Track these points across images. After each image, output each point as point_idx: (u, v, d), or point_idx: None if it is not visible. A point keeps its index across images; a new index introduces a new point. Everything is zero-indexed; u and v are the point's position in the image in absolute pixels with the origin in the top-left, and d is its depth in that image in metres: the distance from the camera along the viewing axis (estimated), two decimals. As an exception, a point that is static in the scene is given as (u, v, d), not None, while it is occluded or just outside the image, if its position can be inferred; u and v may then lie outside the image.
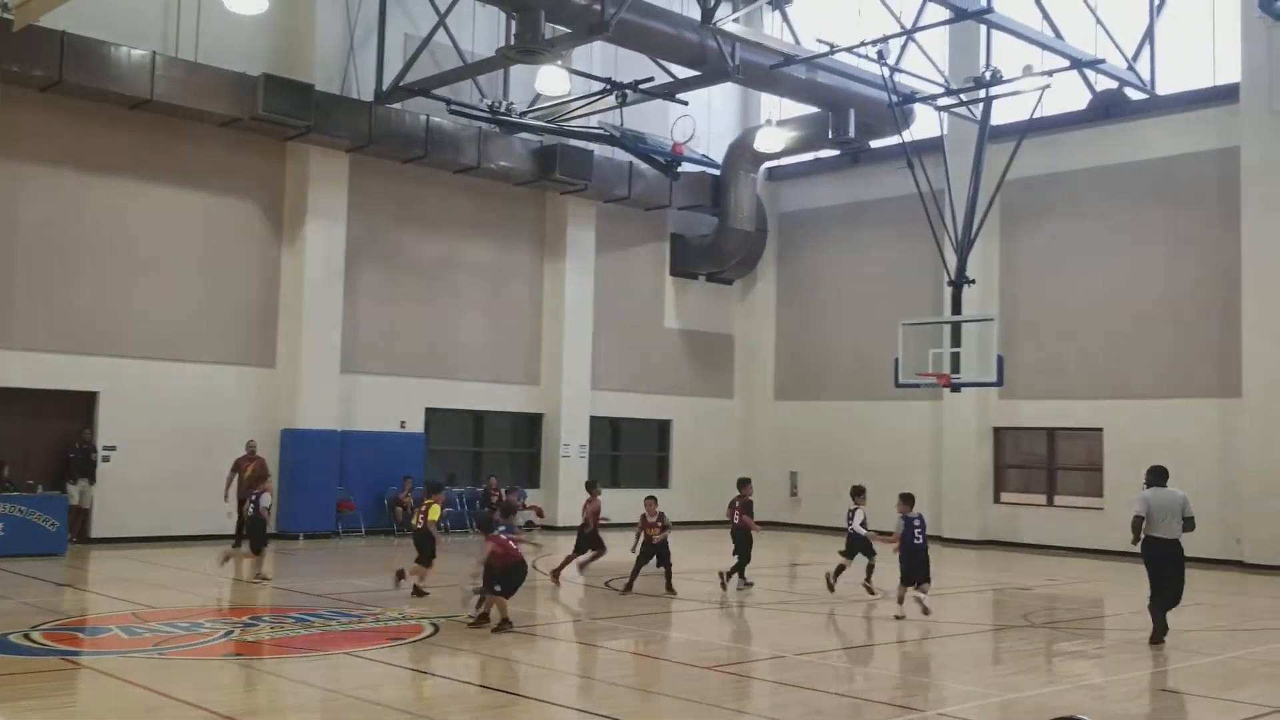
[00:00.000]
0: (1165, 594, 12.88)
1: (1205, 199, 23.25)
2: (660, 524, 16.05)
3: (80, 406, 20.99)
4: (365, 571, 18.72)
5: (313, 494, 22.67)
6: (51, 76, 19.66)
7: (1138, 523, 12.78)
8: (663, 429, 29.62)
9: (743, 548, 16.70)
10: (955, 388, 21.84)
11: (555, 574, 16.92)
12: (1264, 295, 21.93)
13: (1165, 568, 12.85)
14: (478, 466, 26.31)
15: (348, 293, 23.62)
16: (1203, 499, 22.29)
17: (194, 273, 22.11)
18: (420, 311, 25.00)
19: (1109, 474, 24.09)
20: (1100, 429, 24.38)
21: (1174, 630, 12.98)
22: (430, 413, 25.21)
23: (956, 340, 20.98)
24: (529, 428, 27.19)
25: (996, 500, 25.25)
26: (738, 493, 17.17)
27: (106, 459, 20.88)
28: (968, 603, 16.91)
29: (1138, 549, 13.00)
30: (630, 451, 29.18)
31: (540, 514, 26.39)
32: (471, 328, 25.86)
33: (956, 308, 21.98)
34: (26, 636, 11.78)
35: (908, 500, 14.72)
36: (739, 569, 16.64)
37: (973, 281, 22.35)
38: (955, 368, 20.83)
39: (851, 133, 25.50)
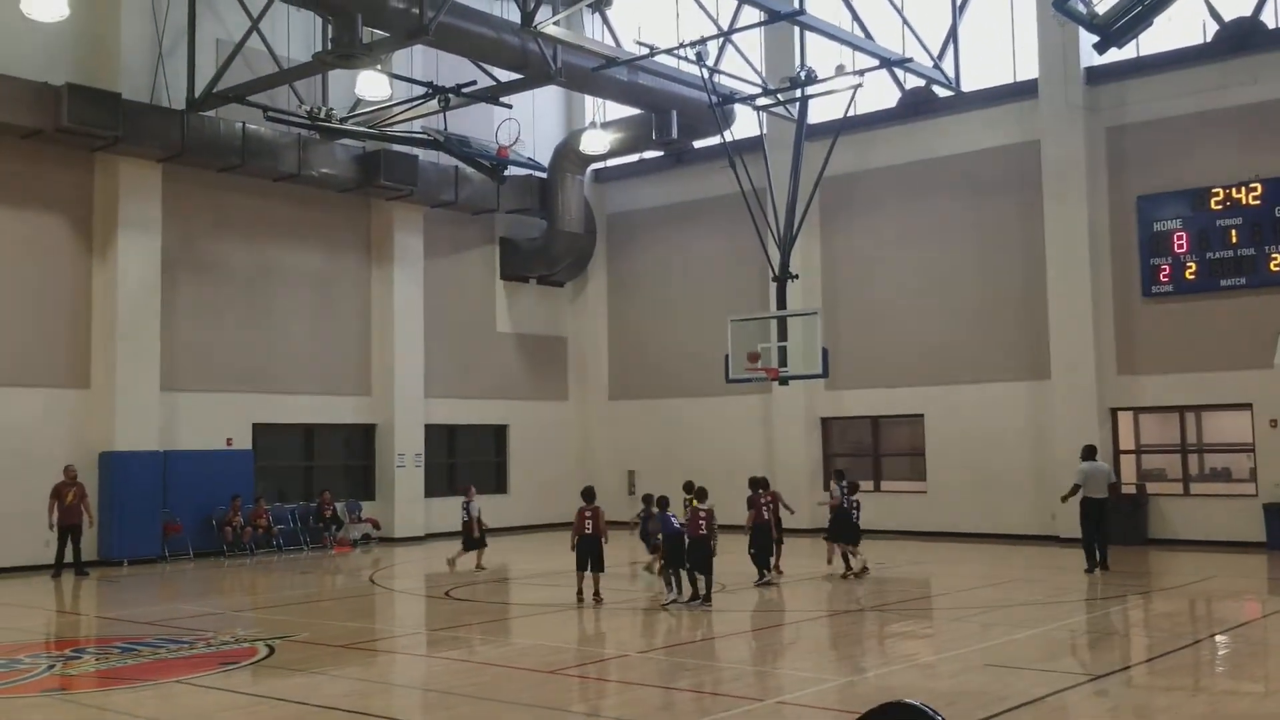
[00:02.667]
0: (1093, 536, 17.99)
1: (1010, 190, 24.43)
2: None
3: (-126, 438, 19.74)
4: (195, 596, 18.10)
5: (136, 518, 21.71)
6: None
7: (1075, 488, 18.21)
8: (499, 434, 29.48)
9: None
10: (783, 381, 22.36)
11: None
12: (1066, 280, 23.21)
13: (1094, 518, 18.05)
14: (310, 481, 25.69)
15: (166, 307, 22.75)
16: (1018, 477, 23.67)
17: (-4, 292, 21.01)
18: (244, 324, 24.26)
19: (930, 458, 25.10)
20: (921, 415, 25.38)
21: (995, 606, 14.19)
22: (258, 428, 24.45)
23: (783, 334, 21.45)
24: (362, 439, 26.68)
25: (826, 488, 25.94)
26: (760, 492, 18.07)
27: (-94, 492, 19.67)
28: (802, 590, 17.37)
29: (1067, 504, 18.81)
30: (467, 459, 28.93)
31: (377, 526, 25.93)
32: (298, 339, 25.23)
33: (781, 303, 22.49)
34: None
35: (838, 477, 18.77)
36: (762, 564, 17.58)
37: (796, 276, 22.89)
38: (782, 361, 21.30)
39: (674, 133, 25.88)
